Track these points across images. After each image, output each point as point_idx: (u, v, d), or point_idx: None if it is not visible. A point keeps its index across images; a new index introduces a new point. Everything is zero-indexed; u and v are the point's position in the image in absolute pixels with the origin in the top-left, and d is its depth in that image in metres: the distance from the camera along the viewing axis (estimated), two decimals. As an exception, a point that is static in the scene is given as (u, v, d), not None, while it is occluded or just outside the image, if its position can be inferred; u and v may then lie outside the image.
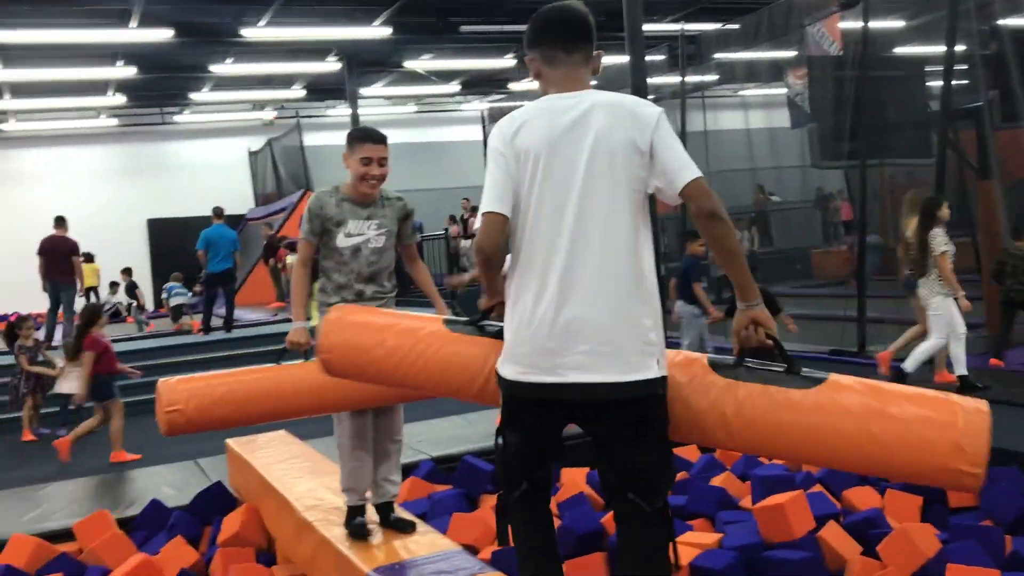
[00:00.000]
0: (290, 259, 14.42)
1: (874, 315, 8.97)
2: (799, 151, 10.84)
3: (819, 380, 2.14)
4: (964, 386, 6.46)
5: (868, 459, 2.08)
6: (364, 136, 3.58)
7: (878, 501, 4.72)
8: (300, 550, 3.98)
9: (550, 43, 2.29)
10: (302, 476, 4.51)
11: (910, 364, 6.59)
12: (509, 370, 2.23)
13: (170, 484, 5.80)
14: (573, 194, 2.18)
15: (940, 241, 6.43)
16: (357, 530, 3.55)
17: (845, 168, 9.89)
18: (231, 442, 5.42)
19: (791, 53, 11.06)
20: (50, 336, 11.12)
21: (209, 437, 7.45)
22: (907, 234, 6.71)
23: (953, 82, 8.36)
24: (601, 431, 2.23)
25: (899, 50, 10.83)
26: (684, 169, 2.16)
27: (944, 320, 6.47)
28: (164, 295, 14.93)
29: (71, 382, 8.34)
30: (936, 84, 9.72)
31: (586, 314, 2.14)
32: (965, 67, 9.13)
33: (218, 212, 12.20)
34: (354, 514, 3.63)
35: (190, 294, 14.69)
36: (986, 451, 2.03)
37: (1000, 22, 8.82)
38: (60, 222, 11.45)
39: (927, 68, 10.12)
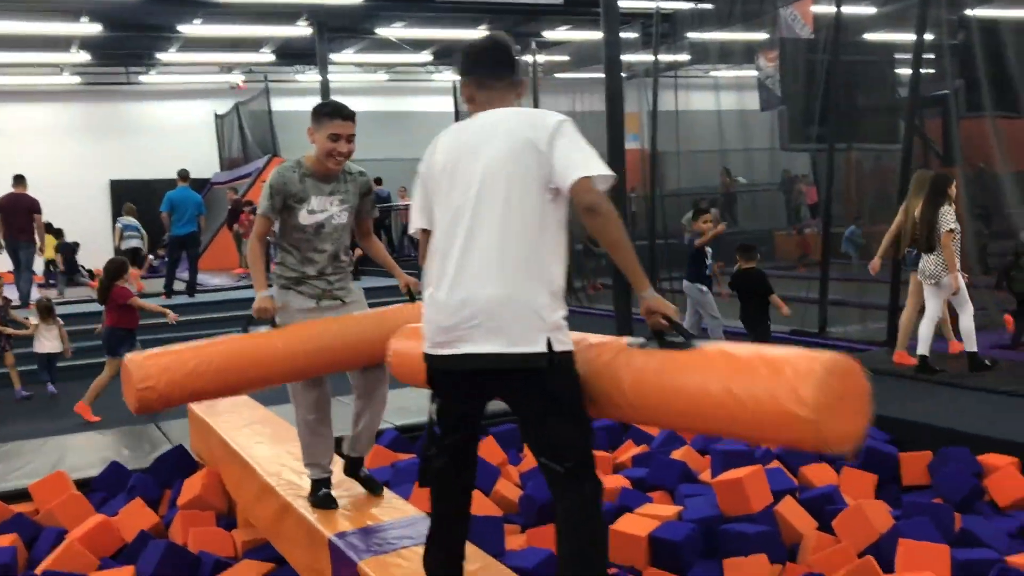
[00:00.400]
0: None
1: (836, 297, 9.10)
2: (768, 134, 10.90)
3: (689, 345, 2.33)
4: (921, 368, 6.59)
5: (728, 416, 2.16)
6: (333, 112, 3.46)
7: (834, 478, 4.82)
8: (262, 514, 3.98)
9: (482, 71, 2.57)
10: (264, 441, 4.50)
11: (969, 345, 6.57)
12: (424, 345, 2.55)
13: (130, 446, 5.76)
14: (472, 192, 2.44)
15: (949, 219, 6.47)
16: (323, 501, 3.53)
17: (813, 151, 9.95)
18: (193, 406, 5.37)
19: (764, 35, 11.09)
20: (26, 296, 10.94)
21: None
22: (915, 213, 6.70)
23: (921, 70, 8.44)
24: (509, 401, 2.52)
25: (870, 36, 10.89)
26: (574, 169, 2.38)
27: (964, 292, 6.53)
28: (118, 225, 13.51)
29: (52, 341, 8.20)
30: (904, 71, 9.82)
31: (475, 294, 2.39)
32: (932, 56, 9.22)
33: (183, 175, 12.00)
34: (319, 486, 3.61)
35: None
36: (821, 396, 2.01)
37: (968, 12, 8.91)
38: (19, 180, 11.21)
39: (896, 55, 10.20)
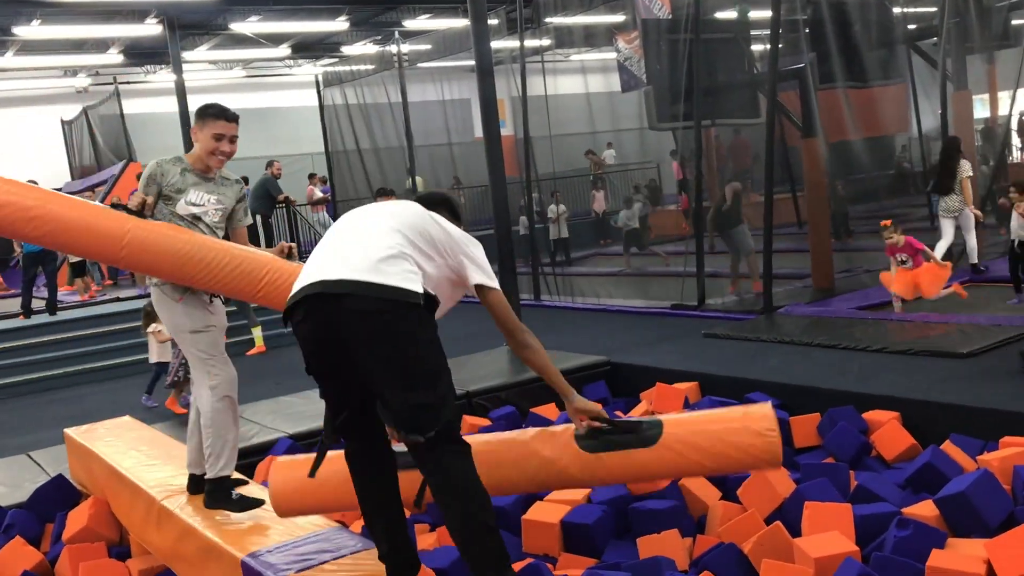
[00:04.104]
0: None
1: (711, 270, 9.36)
2: (637, 113, 11.07)
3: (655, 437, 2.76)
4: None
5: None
6: (218, 113, 3.62)
7: (731, 447, 4.92)
8: (159, 540, 3.76)
9: None
10: (155, 462, 4.26)
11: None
12: None
13: (1, 480, 5.36)
14: None
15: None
16: (243, 503, 3.41)
17: (681, 129, 10.17)
18: (70, 432, 5.06)
19: (622, 18, 11.23)
20: None
21: (41, 427, 6.96)
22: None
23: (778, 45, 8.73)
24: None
25: (725, 14, 11.20)
26: None
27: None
28: None
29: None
30: (759, 47, 10.16)
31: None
32: (782, 31, 9.55)
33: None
34: (229, 486, 3.48)
35: None
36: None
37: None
38: None
39: (752, 32, 10.52)
